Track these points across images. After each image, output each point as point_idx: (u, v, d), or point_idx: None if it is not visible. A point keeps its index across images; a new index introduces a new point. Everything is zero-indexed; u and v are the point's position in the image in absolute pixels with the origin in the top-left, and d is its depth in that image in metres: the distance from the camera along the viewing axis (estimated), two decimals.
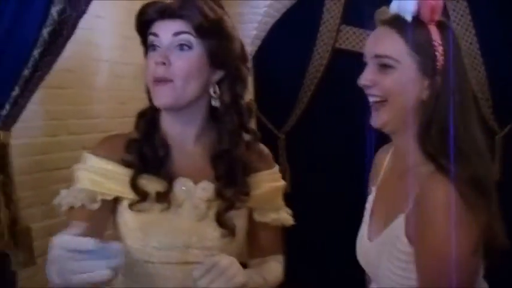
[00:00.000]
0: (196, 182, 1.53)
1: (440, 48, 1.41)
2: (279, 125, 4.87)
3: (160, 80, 1.47)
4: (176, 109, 1.51)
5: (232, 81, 1.56)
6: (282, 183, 1.71)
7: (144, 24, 1.51)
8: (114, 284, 1.41)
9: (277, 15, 4.76)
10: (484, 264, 1.40)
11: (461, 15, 4.37)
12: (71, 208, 1.48)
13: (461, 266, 1.26)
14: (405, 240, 1.37)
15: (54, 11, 2.04)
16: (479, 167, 1.36)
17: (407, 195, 1.41)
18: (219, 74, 1.53)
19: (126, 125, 4.04)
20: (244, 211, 1.60)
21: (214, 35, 1.48)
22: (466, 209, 1.26)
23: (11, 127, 2.23)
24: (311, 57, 4.68)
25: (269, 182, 1.66)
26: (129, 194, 1.49)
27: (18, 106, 2.18)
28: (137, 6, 3.88)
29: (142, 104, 3.89)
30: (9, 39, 2.07)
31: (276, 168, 1.71)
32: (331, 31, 4.64)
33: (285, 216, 1.69)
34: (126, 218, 1.52)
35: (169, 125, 1.57)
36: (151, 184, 1.50)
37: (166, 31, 1.47)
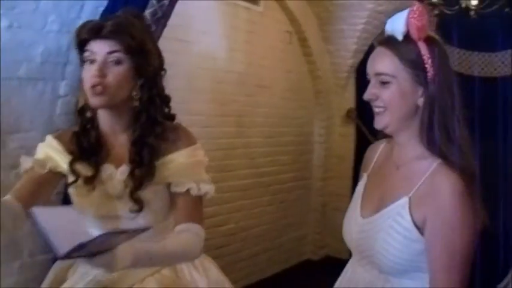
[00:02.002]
0: (118, 167, 1.81)
1: (429, 61, 1.57)
2: (375, 132, 5.20)
3: (97, 88, 1.70)
4: (108, 108, 1.78)
5: (150, 85, 1.81)
6: (201, 158, 1.88)
7: (81, 42, 1.74)
8: None
9: (375, 32, 5.15)
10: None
11: None
12: (27, 171, 1.83)
13: (467, 243, 1.53)
14: (408, 217, 1.57)
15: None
16: (470, 160, 1.56)
17: (411, 181, 1.61)
18: (140, 81, 1.78)
19: (225, 122, 4.70)
20: (163, 186, 1.82)
21: (139, 52, 1.74)
22: (469, 196, 1.49)
23: None
24: None
25: (187, 157, 1.84)
26: (70, 176, 1.83)
27: None
28: (240, 23, 4.54)
29: (240, 105, 4.60)
30: None
31: (196, 146, 1.88)
32: None
33: (203, 187, 1.83)
34: (71, 195, 1.87)
35: (104, 121, 1.84)
36: (85, 169, 1.81)
37: (101, 49, 1.70)
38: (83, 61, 1.77)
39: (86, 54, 1.73)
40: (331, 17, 5.25)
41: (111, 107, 1.77)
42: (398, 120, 1.62)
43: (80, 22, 2.66)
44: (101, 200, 1.81)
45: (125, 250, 1.44)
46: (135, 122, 1.80)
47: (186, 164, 1.84)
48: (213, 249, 4.13)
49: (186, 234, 1.77)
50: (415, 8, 1.58)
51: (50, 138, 1.91)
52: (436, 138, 1.58)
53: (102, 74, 1.70)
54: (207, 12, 4.29)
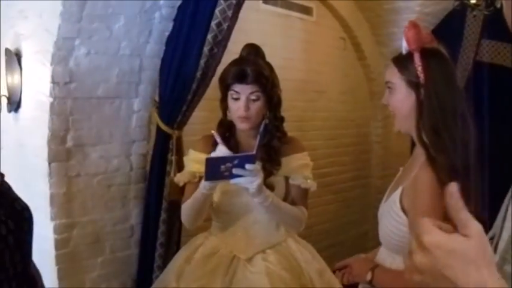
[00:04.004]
0: None
1: (419, 68, 1.78)
2: None
3: (243, 118, 2.39)
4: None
5: (275, 106, 2.51)
6: (308, 162, 2.59)
7: (227, 84, 2.41)
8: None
9: None
10: None
11: None
12: (185, 183, 2.53)
13: None
14: (398, 205, 1.79)
15: (206, 49, 2.91)
16: (455, 156, 1.71)
17: (410, 173, 1.82)
18: (269, 104, 2.46)
19: (286, 127, 4.94)
20: (282, 178, 2.51)
21: (271, 88, 2.43)
22: (441, 190, 1.48)
23: (182, 128, 3.19)
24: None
25: (298, 160, 2.55)
26: None
27: (186, 116, 3.14)
28: (295, 33, 4.78)
29: (300, 110, 4.86)
30: (178, 76, 3.02)
31: (305, 152, 2.59)
32: (472, 45, 5.08)
33: (310, 183, 2.53)
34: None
35: (240, 132, 2.50)
36: None
37: (245, 91, 2.37)
38: (225, 94, 2.44)
39: (231, 92, 2.40)
40: (382, 21, 5.45)
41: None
42: (403, 121, 1.90)
43: (149, 46, 3.06)
44: (238, 186, 2.31)
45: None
46: (264, 131, 2.34)
47: (299, 164, 2.55)
48: None
49: (297, 209, 2.49)
50: (407, 24, 1.82)
51: (191, 152, 2.59)
52: (424, 137, 1.79)
53: (247, 108, 2.38)
54: (263, 26, 4.56)
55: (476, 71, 5.16)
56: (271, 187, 2.40)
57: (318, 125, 5.30)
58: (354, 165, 5.82)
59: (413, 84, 1.82)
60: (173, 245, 3.17)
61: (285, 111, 4.74)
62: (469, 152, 1.77)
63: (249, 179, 2.21)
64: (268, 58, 4.57)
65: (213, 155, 2.24)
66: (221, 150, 2.26)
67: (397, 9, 5.17)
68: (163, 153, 3.12)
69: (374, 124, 6.02)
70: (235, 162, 2.16)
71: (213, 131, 2.36)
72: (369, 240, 5.88)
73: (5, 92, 3.18)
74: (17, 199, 1.96)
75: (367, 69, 5.79)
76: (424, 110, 1.79)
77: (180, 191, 2.89)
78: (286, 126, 4.75)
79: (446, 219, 1.66)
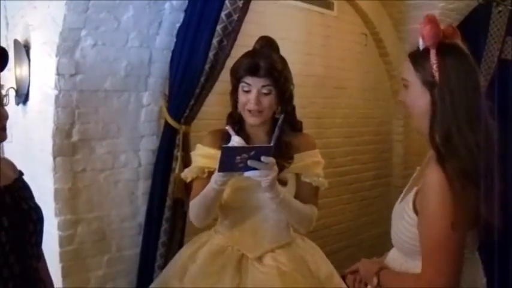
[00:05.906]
0: None
1: (435, 66, 1.69)
2: None
3: (253, 111, 2.33)
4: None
5: (286, 101, 2.44)
6: (319, 159, 2.51)
7: (239, 76, 2.36)
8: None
9: None
10: (479, 240, 1.79)
11: None
12: (193, 179, 2.45)
13: (444, 234, 1.64)
14: (411, 206, 1.74)
15: (215, 41, 2.83)
16: (468, 161, 1.64)
17: (423, 175, 1.75)
18: (280, 99, 2.38)
19: (305, 124, 4.83)
20: (293, 175, 2.43)
21: (282, 82, 2.36)
22: (450, 192, 1.59)
23: (190, 123, 3.11)
24: (479, 67, 4.94)
25: (310, 157, 2.48)
26: None
27: (193, 111, 3.07)
28: (315, 28, 4.65)
29: (319, 107, 4.73)
30: (186, 69, 2.94)
31: (316, 150, 2.52)
32: (497, 43, 4.89)
33: (321, 180, 2.47)
34: None
35: (252, 127, 2.43)
36: None
37: (256, 84, 2.32)
38: (236, 87, 2.39)
39: (243, 85, 2.35)
40: (404, 17, 5.30)
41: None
42: (418, 120, 1.80)
43: (159, 38, 2.98)
44: (250, 182, 2.26)
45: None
46: (282, 124, 2.26)
47: (311, 162, 2.48)
48: None
49: (308, 207, 2.42)
50: (424, 19, 1.72)
51: (199, 147, 2.51)
52: (436, 139, 1.70)
53: (258, 102, 2.32)
54: (282, 20, 4.45)
55: (501, 69, 4.95)
56: (283, 182, 2.34)
57: (337, 122, 5.19)
58: (374, 163, 5.70)
59: (429, 84, 1.73)
60: (175, 245, 3.09)
61: (303, 108, 4.73)
62: (482, 157, 1.67)
63: (264, 173, 2.13)
64: (287, 53, 4.45)
65: (230, 145, 2.16)
66: (237, 141, 2.18)
67: (420, 5, 5.02)
68: (169, 149, 3.05)
69: (395, 122, 5.88)
70: (252, 153, 2.08)
71: (227, 126, 2.29)
72: (389, 240, 5.67)
73: (13, 84, 3.13)
74: (26, 198, 1.86)
75: (390, 66, 5.65)
76: (437, 111, 1.71)
77: (185, 189, 2.83)
78: (305, 123, 4.70)
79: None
